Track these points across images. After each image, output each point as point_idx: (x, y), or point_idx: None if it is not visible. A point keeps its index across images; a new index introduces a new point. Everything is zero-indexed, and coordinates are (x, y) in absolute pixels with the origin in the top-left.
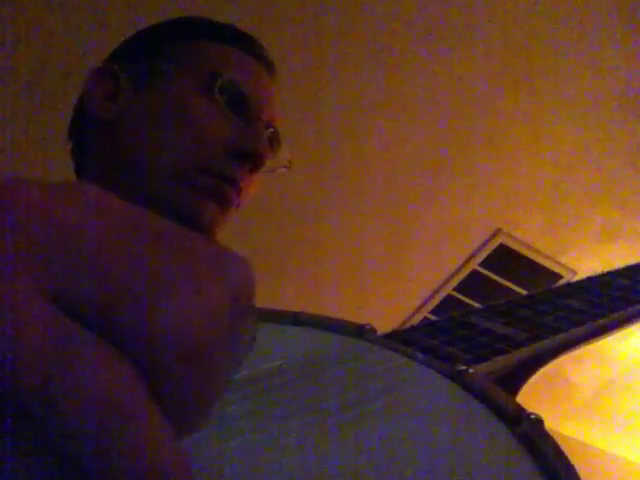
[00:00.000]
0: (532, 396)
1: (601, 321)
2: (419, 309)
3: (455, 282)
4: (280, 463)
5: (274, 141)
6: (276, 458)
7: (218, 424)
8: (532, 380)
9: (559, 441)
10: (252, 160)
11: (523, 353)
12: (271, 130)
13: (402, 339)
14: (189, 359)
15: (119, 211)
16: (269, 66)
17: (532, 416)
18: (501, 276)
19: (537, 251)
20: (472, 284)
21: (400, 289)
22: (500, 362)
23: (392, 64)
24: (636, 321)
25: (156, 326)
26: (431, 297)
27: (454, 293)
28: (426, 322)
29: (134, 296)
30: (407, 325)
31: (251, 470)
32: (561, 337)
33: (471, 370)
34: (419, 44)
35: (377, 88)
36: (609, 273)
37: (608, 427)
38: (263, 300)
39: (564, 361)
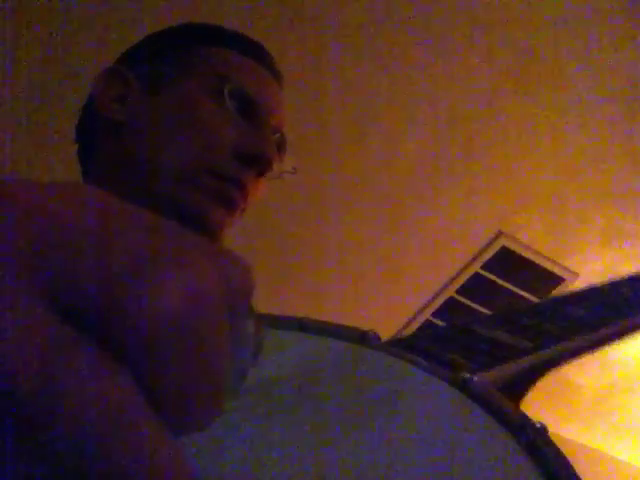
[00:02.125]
0: (535, 399)
1: (605, 330)
2: (421, 312)
3: (457, 285)
4: (281, 469)
5: (281, 147)
6: (277, 464)
7: (219, 430)
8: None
9: (561, 444)
10: (259, 163)
11: (527, 361)
12: (278, 136)
13: (405, 346)
14: (188, 346)
15: (118, 211)
16: (277, 74)
17: (537, 425)
18: (503, 279)
19: (539, 253)
20: (474, 287)
21: (402, 292)
22: (504, 370)
23: (393, 65)
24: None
25: (155, 317)
26: (433, 300)
27: (456, 296)
28: (430, 329)
29: (133, 291)
30: (409, 328)
31: (252, 474)
32: (565, 346)
33: (475, 378)
34: (420, 45)
35: (378, 89)
36: (612, 282)
37: (611, 430)
38: (264, 304)
39: (567, 365)
